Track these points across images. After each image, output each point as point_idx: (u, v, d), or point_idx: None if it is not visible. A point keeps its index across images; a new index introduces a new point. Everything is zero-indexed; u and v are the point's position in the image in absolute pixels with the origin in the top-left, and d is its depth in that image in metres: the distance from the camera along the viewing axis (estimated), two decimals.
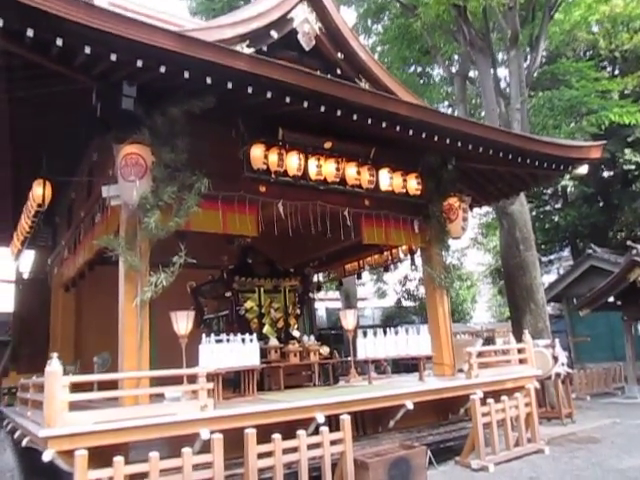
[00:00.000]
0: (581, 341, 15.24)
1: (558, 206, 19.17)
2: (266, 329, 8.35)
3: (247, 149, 6.43)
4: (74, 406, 4.65)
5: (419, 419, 7.25)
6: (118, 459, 4.39)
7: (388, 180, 7.43)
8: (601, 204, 17.99)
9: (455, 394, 7.10)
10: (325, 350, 8.45)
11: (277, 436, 5.19)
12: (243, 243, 8.98)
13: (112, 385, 5.67)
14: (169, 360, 5.92)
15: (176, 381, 5.71)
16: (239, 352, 6.45)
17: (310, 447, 5.43)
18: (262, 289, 8.53)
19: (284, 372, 7.38)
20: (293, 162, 6.61)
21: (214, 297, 8.77)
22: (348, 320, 8.64)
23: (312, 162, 6.78)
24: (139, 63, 4.94)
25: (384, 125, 6.45)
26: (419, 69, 17.95)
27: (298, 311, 8.84)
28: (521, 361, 8.23)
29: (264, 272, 8.73)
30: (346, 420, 5.71)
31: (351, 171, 7.10)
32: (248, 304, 8.36)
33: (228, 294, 8.18)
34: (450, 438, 7.32)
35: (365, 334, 7.81)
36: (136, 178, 5.57)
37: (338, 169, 6.92)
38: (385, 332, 7.79)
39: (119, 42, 4.72)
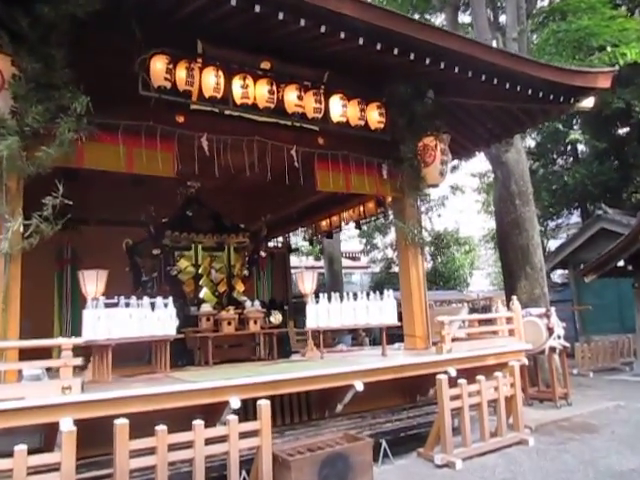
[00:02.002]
0: (583, 310, 13.77)
1: (566, 165, 17.49)
2: (204, 293, 7.06)
3: (146, 62, 5.00)
4: None
5: (377, 402, 5.98)
6: None
7: (340, 109, 5.99)
8: (615, 162, 16.28)
9: (421, 372, 5.79)
10: (277, 318, 7.16)
11: (161, 428, 3.94)
12: (187, 193, 7.68)
13: None
14: None
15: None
16: (144, 320, 5.16)
17: (213, 441, 4.20)
18: (200, 246, 7.20)
19: (214, 343, 6.11)
20: (209, 80, 5.19)
21: (147, 256, 7.47)
22: (305, 283, 7.33)
23: (236, 82, 5.35)
24: None
25: (323, 30, 4.96)
26: None
27: (246, 272, 7.51)
28: (510, 333, 6.89)
29: (205, 227, 7.40)
30: (264, 406, 4.44)
31: (291, 96, 5.66)
32: (182, 263, 7.05)
33: (156, 251, 6.88)
34: (415, 425, 6.04)
35: (317, 299, 6.48)
36: None
37: (272, 92, 5.48)
38: (341, 297, 6.45)
39: None
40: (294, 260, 16.96)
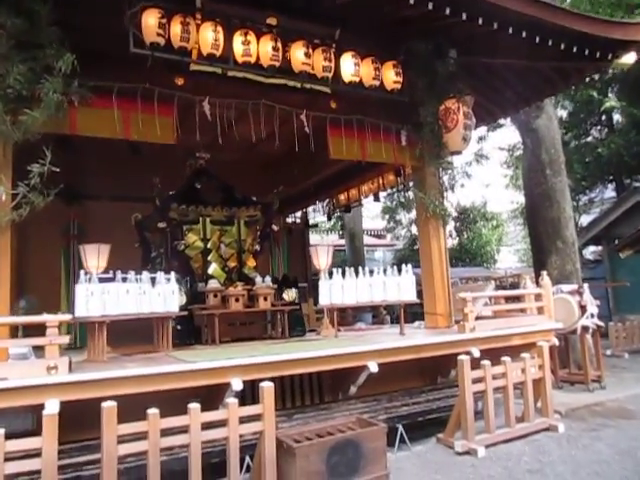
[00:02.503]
0: (619, 286, 12.99)
1: (600, 136, 16.54)
2: (213, 269, 6.73)
3: (137, 16, 4.59)
4: None
5: (394, 384, 5.61)
6: None
7: (353, 68, 5.49)
8: None
9: (441, 352, 5.37)
10: (290, 295, 6.79)
11: (153, 411, 3.63)
12: (196, 165, 7.32)
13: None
14: None
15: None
16: (143, 296, 4.86)
17: (212, 426, 3.89)
18: (208, 219, 6.85)
19: (222, 321, 5.78)
20: (207, 36, 4.76)
21: (157, 231, 7.16)
22: (320, 259, 6.94)
23: (237, 38, 4.91)
24: None
25: None
26: None
27: (258, 247, 7.14)
28: (539, 311, 6.40)
29: (215, 199, 7.04)
30: (266, 389, 4.09)
31: (298, 53, 5.19)
32: (190, 238, 6.72)
33: (162, 225, 6.55)
34: (435, 408, 5.65)
35: (330, 275, 6.09)
36: None
37: (277, 49, 5.02)
38: (357, 273, 6.04)
39: None
40: (316, 238, 16.64)
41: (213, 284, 6.13)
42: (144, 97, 5.06)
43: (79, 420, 3.80)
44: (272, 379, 4.58)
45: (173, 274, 5.23)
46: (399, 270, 6.12)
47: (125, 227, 7.14)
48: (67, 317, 3.91)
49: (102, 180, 7.90)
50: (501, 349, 5.66)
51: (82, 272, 4.49)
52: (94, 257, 5.75)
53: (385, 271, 6.10)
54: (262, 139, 6.00)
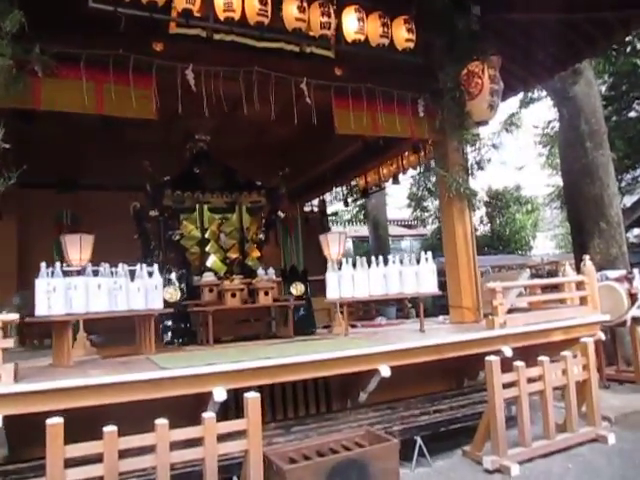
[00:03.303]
0: None
1: None
2: (211, 261, 6.11)
3: None
4: None
5: (412, 389, 4.89)
6: None
7: (356, 24, 4.75)
8: None
9: (465, 352, 4.62)
10: (299, 289, 6.10)
11: (109, 429, 3.02)
12: (196, 148, 6.71)
13: None
14: None
15: None
16: (119, 291, 4.26)
17: (187, 444, 3.27)
18: (206, 207, 6.23)
19: (216, 319, 5.14)
20: None
21: (153, 220, 6.60)
22: (331, 247, 6.27)
23: None
24: None
25: None
26: None
27: (262, 237, 6.49)
28: (582, 301, 5.57)
29: (215, 185, 6.41)
30: (251, 400, 3.44)
31: (290, 8, 4.47)
32: (185, 227, 6.12)
33: (154, 213, 5.97)
34: (460, 417, 4.87)
35: (340, 265, 5.40)
36: None
37: (264, 2, 4.31)
38: (369, 262, 5.33)
39: None
40: (339, 229, 15.91)
41: (208, 277, 5.52)
42: (118, 66, 4.47)
43: (29, 436, 3.25)
44: (266, 386, 3.99)
45: (156, 267, 4.63)
46: (417, 259, 5.38)
47: (123, 217, 6.61)
48: (12, 317, 3.33)
49: (99, 166, 7.38)
50: (538, 347, 4.87)
51: (42, 264, 3.90)
52: (75, 249, 5.21)
53: (402, 260, 5.36)
54: (271, 121, 5.36)
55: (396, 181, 7.98)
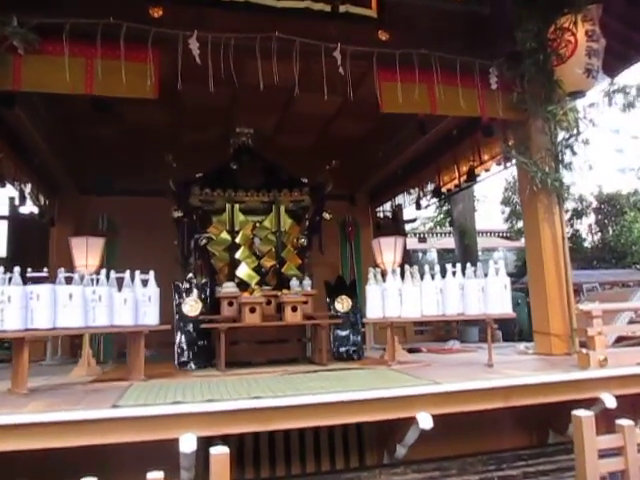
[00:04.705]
0: None
1: None
2: (242, 270, 5.25)
3: None
4: None
5: (472, 444, 3.67)
6: None
7: None
8: None
9: (546, 400, 3.35)
10: (345, 305, 5.07)
11: None
12: (238, 143, 5.96)
13: None
14: None
15: None
16: (98, 302, 3.51)
17: None
18: (238, 207, 5.41)
19: (230, 338, 4.28)
20: None
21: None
22: (384, 254, 5.23)
23: None
24: None
25: None
26: None
27: (304, 241, 5.54)
28: None
29: (252, 182, 5.60)
30: (215, 458, 2.47)
31: None
32: (213, 230, 5.33)
33: (177, 214, 5.25)
34: None
35: (383, 277, 4.31)
36: None
37: None
38: (421, 274, 4.19)
39: None
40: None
41: (228, 288, 4.67)
42: (109, 37, 3.78)
43: None
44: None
45: (152, 274, 3.86)
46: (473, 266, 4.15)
47: (163, 223, 5.98)
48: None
49: (137, 171, 6.84)
50: None
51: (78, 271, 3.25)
52: (81, 253, 4.61)
53: (464, 271, 4.15)
54: (332, 117, 4.52)
55: (472, 178, 6.67)
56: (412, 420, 3.10)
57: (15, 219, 8.34)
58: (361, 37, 4.26)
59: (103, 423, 2.64)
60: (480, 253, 12.42)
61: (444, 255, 13.91)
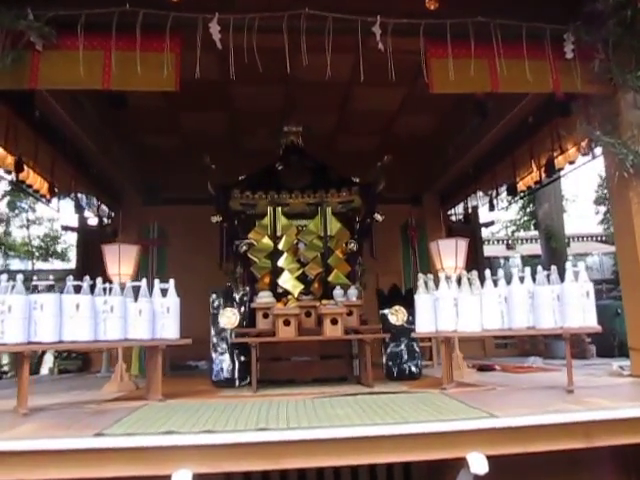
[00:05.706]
0: None
1: None
2: (285, 278, 4.81)
3: None
4: None
5: None
6: None
7: None
8: None
9: (630, 440, 2.59)
10: (401, 317, 4.47)
11: None
12: (285, 142, 5.59)
13: None
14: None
15: None
16: (110, 314, 3.20)
17: None
18: (280, 209, 4.98)
19: (264, 353, 3.84)
20: None
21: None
22: (444, 258, 4.61)
23: None
24: None
25: None
26: None
27: (354, 246, 5.01)
28: None
29: (298, 183, 5.16)
30: None
31: None
32: (254, 235, 4.94)
33: (216, 219, 4.92)
34: None
35: (430, 282, 3.69)
36: None
37: None
38: (482, 278, 3.54)
39: None
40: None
41: (263, 298, 4.23)
42: (126, 26, 3.51)
43: None
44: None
45: (173, 281, 3.50)
46: (561, 274, 3.41)
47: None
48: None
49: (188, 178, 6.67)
50: None
51: (2, 277, 3.02)
52: (114, 261, 4.38)
53: (534, 276, 3.44)
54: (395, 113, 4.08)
55: (551, 171, 5.79)
56: (461, 461, 2.48)
57: (84, 230, 8.51)
58: (404, 8, 3.71)
59: (83, 454, 2.28)
60: (571, 258, 11.19)
61: (529, 261, 12.72)
